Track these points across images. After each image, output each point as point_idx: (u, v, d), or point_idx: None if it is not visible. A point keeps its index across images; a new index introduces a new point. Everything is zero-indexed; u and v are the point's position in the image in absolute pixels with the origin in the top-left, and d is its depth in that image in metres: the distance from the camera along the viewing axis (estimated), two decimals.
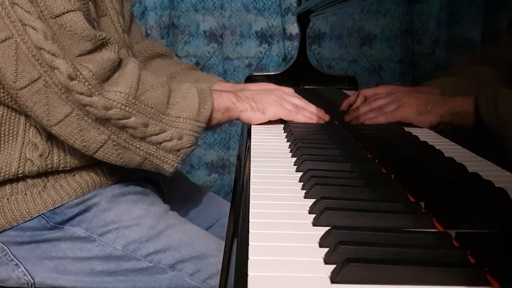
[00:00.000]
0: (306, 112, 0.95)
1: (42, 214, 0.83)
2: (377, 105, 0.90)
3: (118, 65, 0.78)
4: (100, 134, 0.77)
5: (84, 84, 0.73)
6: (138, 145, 0.79)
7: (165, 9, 2.02)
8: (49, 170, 0.83)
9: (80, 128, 0.76)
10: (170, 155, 0.81)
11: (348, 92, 1.29)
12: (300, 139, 0.78)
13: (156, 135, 0.79)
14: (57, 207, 0.84)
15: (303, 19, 1.68)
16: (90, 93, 0.74)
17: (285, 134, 0.87)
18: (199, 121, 0.82)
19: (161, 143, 0.80)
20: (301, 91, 1.30)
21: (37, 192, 0.83)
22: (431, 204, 0.52)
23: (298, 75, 1.63)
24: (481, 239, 0.44)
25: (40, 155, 0.81)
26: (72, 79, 0.73)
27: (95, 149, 0.78)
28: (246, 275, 0.38)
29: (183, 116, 0.81)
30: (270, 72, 1.79)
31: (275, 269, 0.40)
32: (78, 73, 0.73)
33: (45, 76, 0.73)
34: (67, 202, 0.84)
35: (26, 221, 0.83)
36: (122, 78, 0.77)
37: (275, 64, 2.11)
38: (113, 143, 0.78)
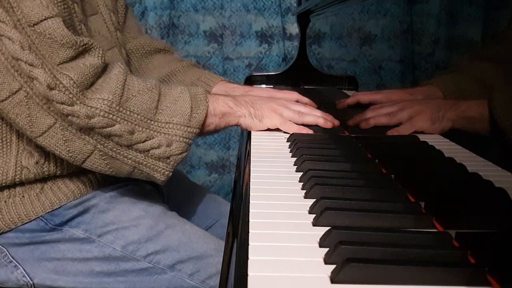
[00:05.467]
0: (310, 117, 0.89)
1: (41, 216, 0.83)
2: (384, 112, 0.85)
3: (102, 71, 0.76)
4: (85, 144, 0.75)
5: (64, 93, 0.71)
6: (125, 154, 0.77)
7: (165, 9, 2.02)
8: (46, 176, 0.83)
9: (65, 139, 0.74)
10: (160, 163, 0.78)
11: (348, 92, 1.29)
12: (300, 139, 0.78)
13: (143, 142, 0.76)
14: (55, 209, 0.83)
15: (303, 19, 1.68)
16: (71, 102, 0.71)
17: (285, 134, 0.87)
18: (190, 126, 0.79)
19: (148, 150, 0.77)
20: (301, 91, 1.30)
21: (35, 195, 0.83)
22: (431, 204, 0.51)
23: (298, 75, 1.63)
24: (481, 239, 0.44)
25: (36, 163, 0.81)
26: (51, 88, 0.70)
27: (82, 159, 0.76)
28: (246, 275, 0.38)
29: (173, 122, 0.78)
30: (270, 72, 1.79)
31: (275, 269, 0.40)
32: (58, 82, 0.71)
33: (26, 87, 0.71)
34: (65, 204, 0.84)
35: (24, 224, 0.83)
36: (106, 84, 0.74)
37: (275, 64, 2.11)
38: (100, 153, 0.76)
